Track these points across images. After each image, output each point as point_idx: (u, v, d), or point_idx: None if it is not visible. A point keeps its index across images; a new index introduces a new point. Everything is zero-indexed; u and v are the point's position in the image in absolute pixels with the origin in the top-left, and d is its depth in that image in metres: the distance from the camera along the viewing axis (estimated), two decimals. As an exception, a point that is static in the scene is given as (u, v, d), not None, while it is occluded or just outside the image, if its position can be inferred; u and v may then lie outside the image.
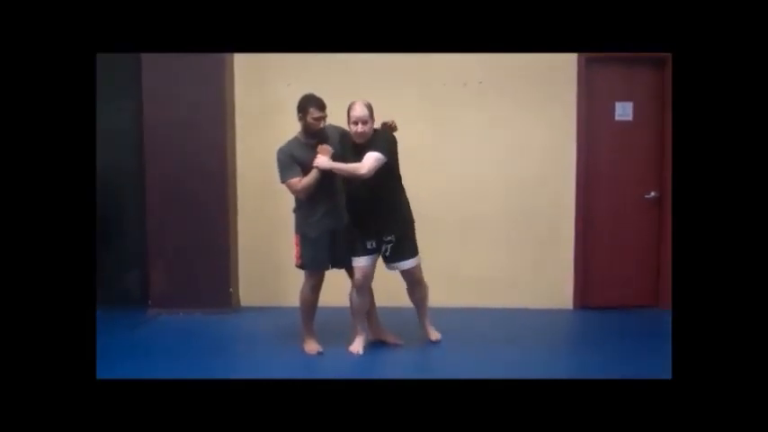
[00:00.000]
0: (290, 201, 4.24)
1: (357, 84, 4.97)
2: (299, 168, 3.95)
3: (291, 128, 5.13)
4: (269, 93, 5.32)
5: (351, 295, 4.20)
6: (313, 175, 3.91)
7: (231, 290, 5.27)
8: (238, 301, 5.40)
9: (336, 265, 4.20)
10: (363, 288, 4.16)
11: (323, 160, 3.91)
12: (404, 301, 4.36)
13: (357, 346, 4.24)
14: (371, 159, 3.88)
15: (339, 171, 3.95)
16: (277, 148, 4.03)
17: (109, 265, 5.23)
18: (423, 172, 4.48)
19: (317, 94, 4.17)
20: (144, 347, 4.45)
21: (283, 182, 3.96)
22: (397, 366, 4.11)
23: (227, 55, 5.17)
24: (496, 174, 5.31)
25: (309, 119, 3.93)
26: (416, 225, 4.20)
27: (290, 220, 4.22)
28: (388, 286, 4.39)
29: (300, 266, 4.14)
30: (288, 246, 4.27)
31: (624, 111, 5.35)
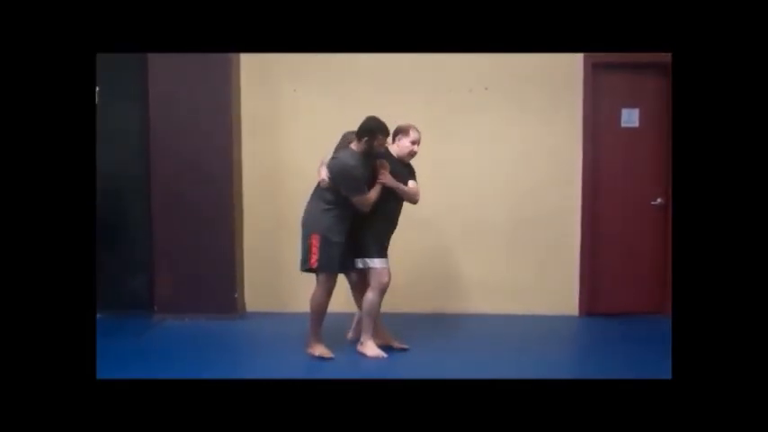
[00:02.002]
0: (295, 205, 4.26)
1: (363, 89, 4.98)
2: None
3: (297, 132, 5.20)
4: (275, 97, 5.32)
5: (368, 298, 4.18)
6: (378, 189, 4.12)
7: (236, 295, 5.27)
8: (244, 306, 5.40)
9: (343, 269, 4.23)
10: (385, 290, 4.21)
11: (389, 178, 4.13)
12: (405, 305, 4.33)
13: (377, 350, 4.22)
14: (417, 187, 4.29)
15: (399, 191, 4.19)
16: (342, 163, 4.05)
17: (114, 270, 5.25)
18: (426, 176, 4.48)
19: (323, 98, 4.19)
20: (149, 352, 4.44)
21: (358, 196, 4.05)
22: (399, 370, 4.09)
23: (233, 59, 5.17)
24: (502, 179, 5.30)
25: (376, 143, 4.09)
26: (420, 229, 4.21)
27: (296, 224, 4.22)
28: (389, 291, 4.36)
29: (316, 269, 4.13)
30: (294, 251, 4.25)
31: (630, 117, 5.33)
